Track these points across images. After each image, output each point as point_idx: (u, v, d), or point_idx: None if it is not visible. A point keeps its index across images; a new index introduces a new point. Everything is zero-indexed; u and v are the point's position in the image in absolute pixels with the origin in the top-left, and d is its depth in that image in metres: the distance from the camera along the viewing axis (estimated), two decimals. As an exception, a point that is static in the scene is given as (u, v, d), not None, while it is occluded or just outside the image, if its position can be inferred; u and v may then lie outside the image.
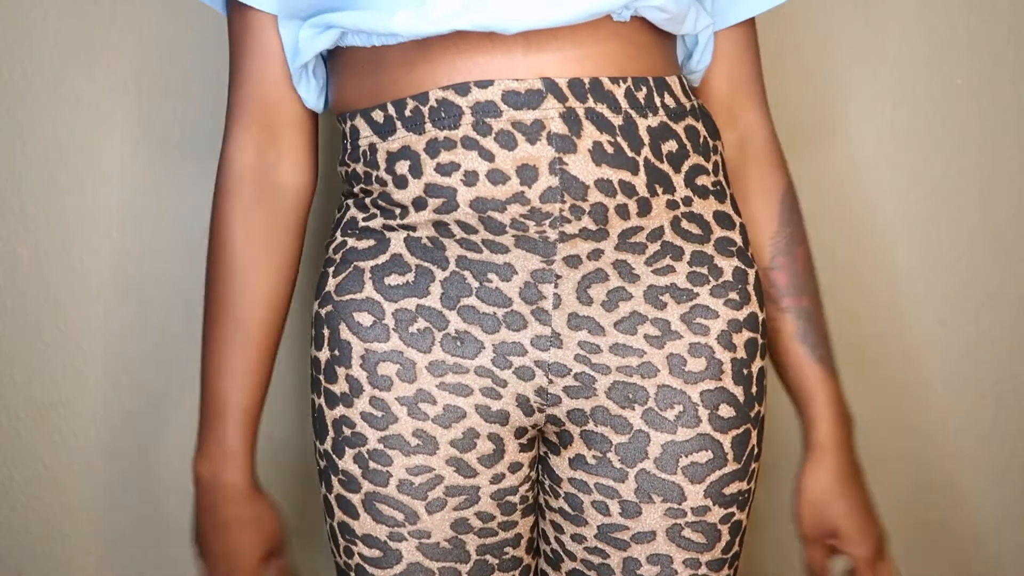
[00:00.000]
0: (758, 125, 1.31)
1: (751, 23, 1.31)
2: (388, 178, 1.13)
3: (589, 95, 1.09)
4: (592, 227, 1.10)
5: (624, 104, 1.11)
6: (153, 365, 1.58)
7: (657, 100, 1.13)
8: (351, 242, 1.17)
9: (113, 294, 1.55)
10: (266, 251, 1.21)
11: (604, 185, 1.09)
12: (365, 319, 1.15)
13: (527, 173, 1.08)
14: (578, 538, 1.21)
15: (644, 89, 1.12)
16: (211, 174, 1.51)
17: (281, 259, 1.22)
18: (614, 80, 1.11)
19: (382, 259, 1.15)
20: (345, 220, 1.19)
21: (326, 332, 1.18)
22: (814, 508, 1.27)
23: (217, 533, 1.24)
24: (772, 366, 1.30)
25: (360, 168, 1.16)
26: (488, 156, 1.08)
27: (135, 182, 1.53)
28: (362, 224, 1.17)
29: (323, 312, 1.18)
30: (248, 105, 1.21)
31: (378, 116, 1.13)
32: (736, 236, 1.19)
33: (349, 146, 1.17)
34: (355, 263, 1.16)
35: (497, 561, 1.21)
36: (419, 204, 1.11)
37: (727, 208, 1.19)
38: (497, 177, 1.08)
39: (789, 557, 1.75)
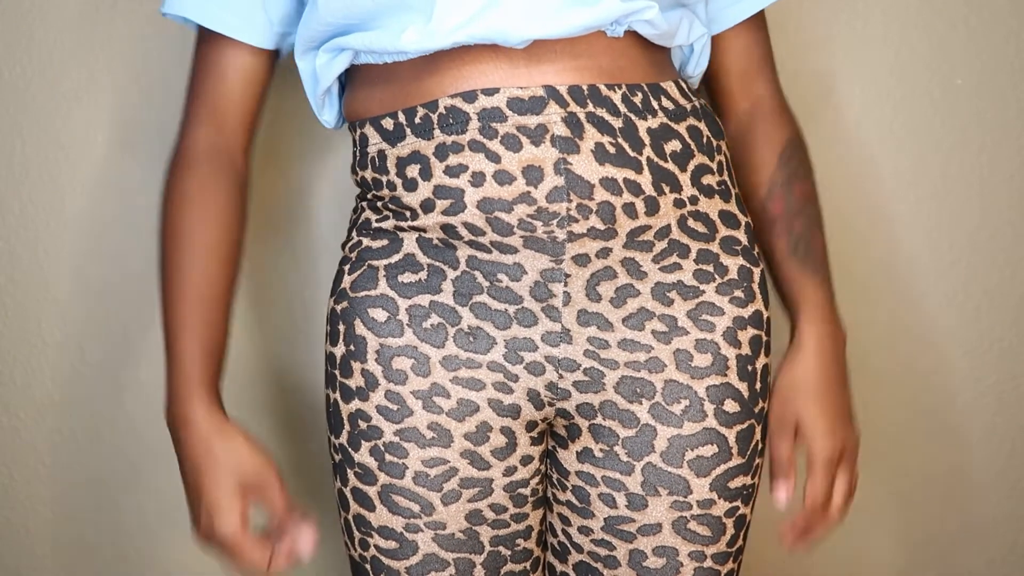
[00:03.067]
0: (768, 94, 1.35)
1: (761, 18, 1.35)
2: (398, 182, 1.15)
3: (589, 100, 1.12)
4: (600, 226, 1.11)
5: (622, 108, 1.14)
6: (153, 365, 1.57)
7: (654, 103, 1.16)
8: (366, 241, 1.19)
9: (113, 294, 1.55)
10: (220, 213, 1.24)
11: (609, 184, 1.10)
12: (380, 315, 1.17)
13: (533, 174, 1.10)
14: (585, 530, 1.22)
15: (640, 95, 1.15)
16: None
17: (232, 222, 1.25)
18: (610, 87, 1.13)
19: (395, 258, 1.17)
20: (360, 221, 1.22)
21: (341, 328, 1.19)
22: (781, 401, 1.27)
23: (194, 474, 1.21)
24: (774, 290, 1.32)
25: (369, 175, 1.18)
26: (494, 158, 1.10)
27: (135, 182, 1.53)
28: (376, 225, 1.19)
29: (338, 308, 1.20)
30: (204, 110, 1.26)
31: (388, 124, 1.16)
32: (741, 235, 1.20)
33: (358, 153, 1.20)
34: (369, 261, 1.18)
35: (509, 552, 1.22)
36: (427, 206, 1.13)
37: (732, 207, 1.21)
38: (503, 178, 1.10)
39: (791, 557, 1.75)
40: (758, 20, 1.34)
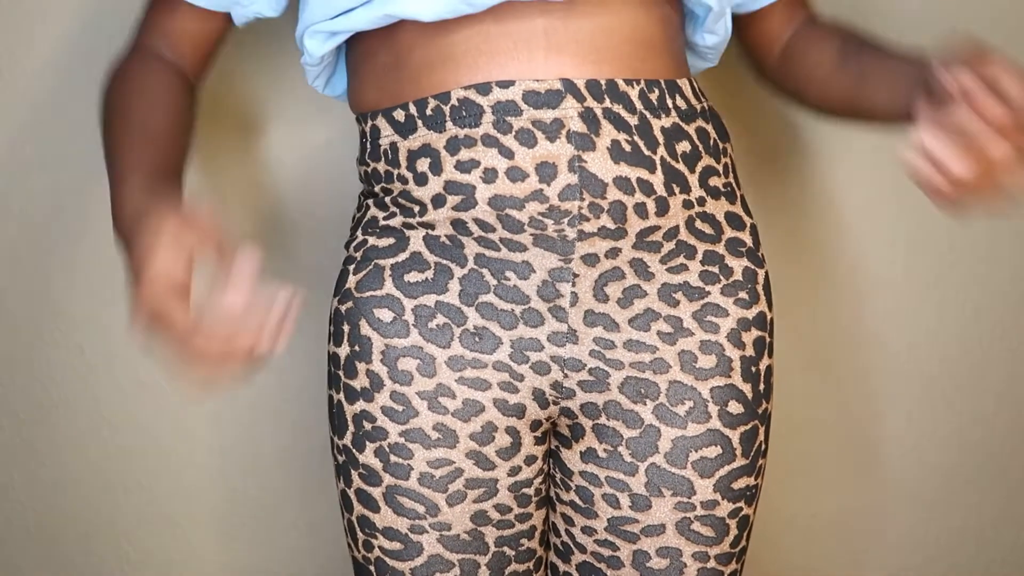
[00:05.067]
0: (809, 12, 1.35)
1: None
2: (409, 175, 1.14)
3: (606, 95, 1.11)
4: (611, 226, 1.11)
5: (639, 105, 1.13)
6: (153, 365, 1.57)
7: (669, 102, 1.15)
8: (371, 240, 1.18)
9: (112, 293, 1.55)
10: (166, 88, 1.21)
11: (622, 183, 1.10)
12: (385, 315, 1.16)
13: (546, 171, 1.09)
14: (588, 530, 1.22)
15: (656, 91, 1.14)
16: (211, 173, 1.51)
17: (179, 101, 1.21)
18: (628, 82, 1.13)
19: (402, 257, 1.16)
20: (366, 219, 1.21)
21: (346, 328, 1.18)
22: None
23: (128, 249, 1.06)
24: (865, 102, 1.24)
25: (381, 167, 1.17)
26: (508, 153, 1.09)
27: (135, 182, 1.53)
28: (382, 223, 1.18)
29: (343, 308, 1.19)
30: (152, 31, 1.26)
31: (399, 115, 1.14)
32: (746, 237, 1.21)
33: (369, 145, 1.19)
34: (375, 261, 1.17)
35: (514, 553, 1.22)
36: (438, 201, 1.12)
37: (738, 209, 1.21)
38: (516, 175, 1.09)
39: (792, 557, 1.75)
40: None
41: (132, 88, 1.20)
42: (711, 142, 1.18)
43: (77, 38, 1.49)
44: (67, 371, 1.56)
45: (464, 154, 1.11)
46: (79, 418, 1.58)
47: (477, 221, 1.12)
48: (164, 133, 1.17)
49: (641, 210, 1.11)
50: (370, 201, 1.21)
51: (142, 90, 1.20)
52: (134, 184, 1.10)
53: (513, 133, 1.10)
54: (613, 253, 1.13)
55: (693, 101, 1.18)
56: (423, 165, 1.13)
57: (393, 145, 1.15)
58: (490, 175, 1.10)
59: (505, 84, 1.10)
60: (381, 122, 1.17)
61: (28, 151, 1.50)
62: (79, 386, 1.57)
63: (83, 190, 1.52)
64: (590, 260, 1.12)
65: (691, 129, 1.16)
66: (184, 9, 1.23)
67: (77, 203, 1.52)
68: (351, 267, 1.20)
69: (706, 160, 1.17)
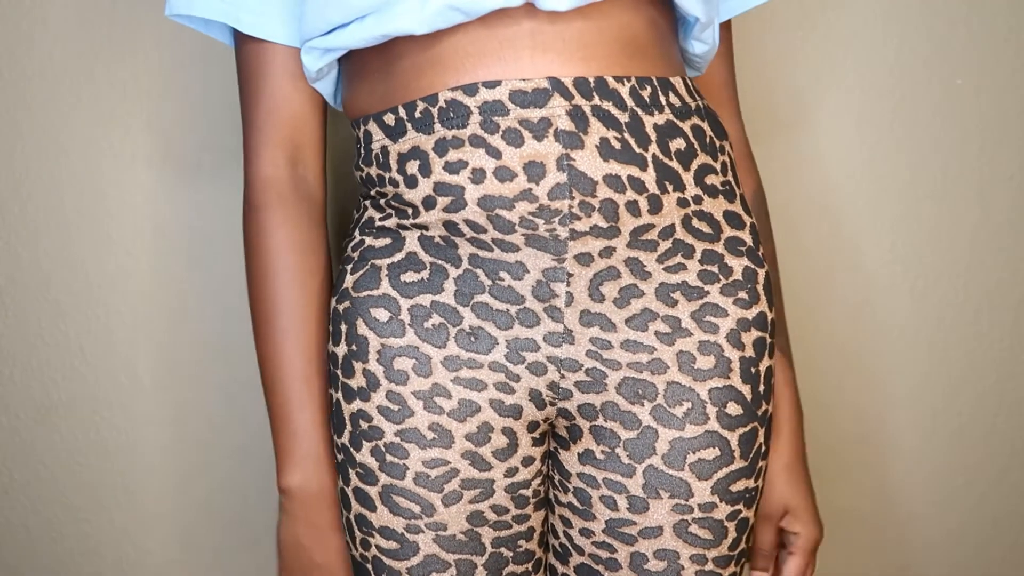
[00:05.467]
0: (732, 128, 1.36)
1: (727, 28, 1.35)
2: (400, 179, 1.14)
3: (595, 93, 1.10)
4: (603, 224, 1.10)
5: (630, 102, 1.12)
6: (153, 365, 1.57)
7: (662, 99, 1.14)
8: (368, 240, 1.19)
9: (113, 294, 1.55)
10: (312, 263, 1.24)
11: (613, 181, 1.09)
12: (382, 315, 1.16)
13: (534, 170, 1.09)
14: (586, 532, 1.22)
15: (648, 88, 1.13)
16: (210, 173, 1.51)
17: (323, 268, 1.25)
18: (618, 79, 1.12)
19: (398, 257, 1.16)
20: (363, 220, 1.21)
21: (343, 327, 1.19)
22: (771, 486, 1.32)
23: (320, 541, 1.25)
24: None
25: (374, 171, 1.17)
26: (495, 153, 1.09)
27: (135, 182, 1.53)
28: (379, 224, 1.18)
29: (340, 308, 1.19)
30: (274, 123, 1.24)
31: (389, 119, 1.14)
32: (746, 236, 1.20)
33: (363, 150, 1.19)
34: (372, 261, 1.18)
35: (511, 554, 1.22)
36: (428, 203, 1.12)
37: (737, 208, 1.20)
38: (504, 174, 1.09)
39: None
40: (726, 38, 1.35)
41: (279, 289, 1.23)
42: (707, 140, 1.17)
43: (77, 38, 1.49)
44: (67, 371, 1.56)
45: (452, 155, 1.11)
46: (79, 418, 1.58)
47: (468, 222, 1.11)
48: (321, 351, 1.25)
49: (633, 208, 1.11)
50: (367, 203, 1.21)
51: (293, 294, 1.23)
52: (304, 435, 1.24)
53: (500, 133, 1.09)
54: (607, 252, 1.12)
55: (688, 99, 1.17)
56: (412, 167, 1.13)
57: (384, 149, 1.16)
58: (478, 175, 1.10)
59: (491, 84, 1.10)
60: (372, 127, 1.17)
61: (28, 150, 1.50)
62: (79, 386, 1.57)
63: (83, 188, 1.52)
64: (584, 259, 1.12)
65: (686, 126, 1.15)
66: (286, 82, 1.24)
67: (77, 201, 1.52)
68: (348, 267, 1.20)
69: (702, 158, 1.16)
